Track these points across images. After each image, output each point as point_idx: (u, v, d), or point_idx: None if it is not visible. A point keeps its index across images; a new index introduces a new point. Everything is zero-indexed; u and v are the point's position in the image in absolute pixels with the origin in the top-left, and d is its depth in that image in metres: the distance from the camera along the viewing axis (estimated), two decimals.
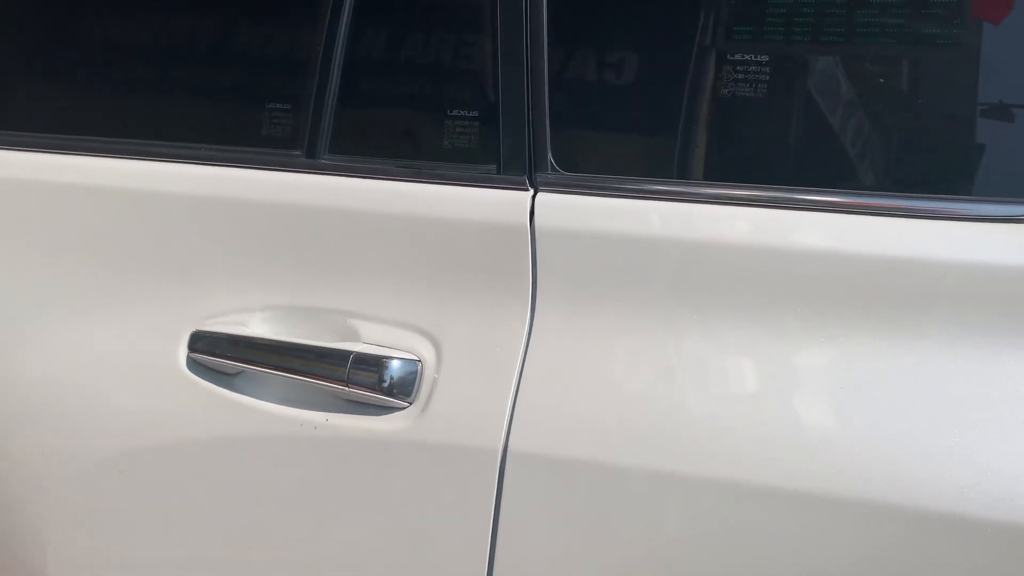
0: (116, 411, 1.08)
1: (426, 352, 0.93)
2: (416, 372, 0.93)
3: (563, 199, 0.91)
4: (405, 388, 0.92)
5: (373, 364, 0.92)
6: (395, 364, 0.92)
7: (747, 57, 0.87)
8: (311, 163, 1.04)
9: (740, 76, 0.86)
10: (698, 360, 0.83)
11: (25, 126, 1.23)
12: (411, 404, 0.92)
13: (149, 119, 1.19)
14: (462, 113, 0.99)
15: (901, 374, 0.77)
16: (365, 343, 0.96)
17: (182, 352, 1.06)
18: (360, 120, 1.06)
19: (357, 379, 0.93)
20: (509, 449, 0.86)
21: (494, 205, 0.93)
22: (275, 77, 1.11)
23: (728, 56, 0.87)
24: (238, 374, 1.03)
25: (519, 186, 0.93)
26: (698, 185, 0.87)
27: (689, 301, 0.85)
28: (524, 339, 0.89)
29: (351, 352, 0.93)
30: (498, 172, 0.95)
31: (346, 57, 1.04)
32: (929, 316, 0.77)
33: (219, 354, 1.02)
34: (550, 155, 0.93)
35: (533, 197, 0.92)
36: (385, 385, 0.92)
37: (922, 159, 0.83)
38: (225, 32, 1.15)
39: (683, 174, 0.89)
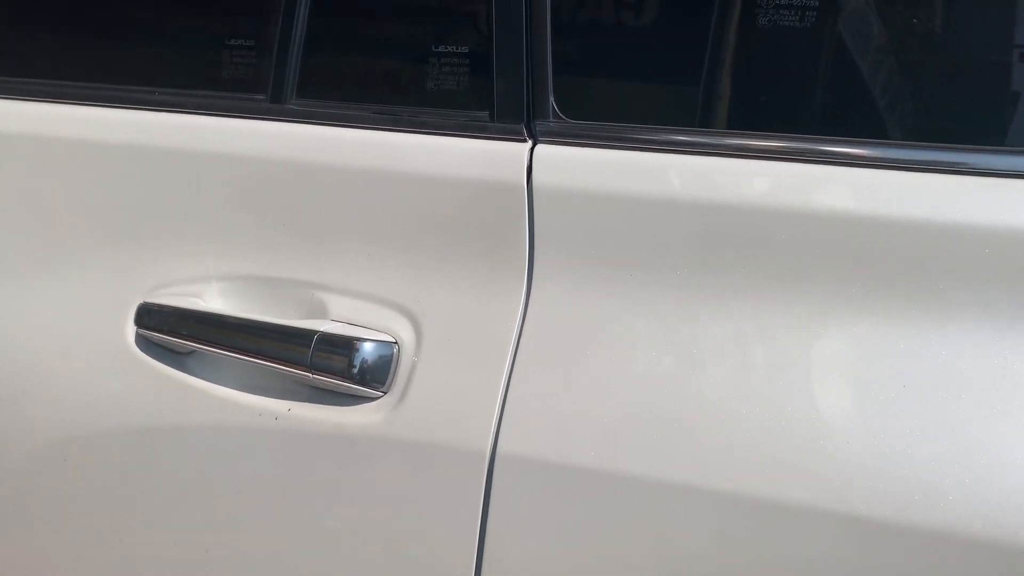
0: (58, 393, 0.95)
1: (404, 332, 0.79)
2: (391, 356, 0.79)
3: (566, 152, 0.76)
4: (379, 374, 0.78)
5: (341, 346, 0.78)
6: (367, 347, 0.78)
7: None
8: (276, 108, 0.89)
9: (778, 3, 0.71)
10: (719, 346, 0.69)
11: None
12: (385, 393, 0.78)
13: (91, 58, 1.04)
14: (449, 49, 0.83)
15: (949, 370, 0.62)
16: (333, 320, 0.82)
17: (129, 327, 0.92)
18: (333, 59, 0.91)
19: (323, 363, 0.79)
20: (498, 450, 0.72)
21: (486, 158, 0.78)
22: (234, 8, 0.96)
23: None
24: (191, 354, 0.89)
25: (515, 136, 0.78)
26: (724, 135, 0.72)
27: (711, 275, 0.70)
28: (518, 319, 0.75)
29: (316, 332, 0.79)
30: (491, 119, 0.80)
31: None
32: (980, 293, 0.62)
33: (169, 331, 0.88)
34: (552, 99, 0.78)
35: (531, 149, 0.77)
36: (355, 371, 0.78)
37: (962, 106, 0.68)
38: None
39: (707, 122, 0.74)
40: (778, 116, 0.72)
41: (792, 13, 0.70)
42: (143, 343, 0.91)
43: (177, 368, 0.89)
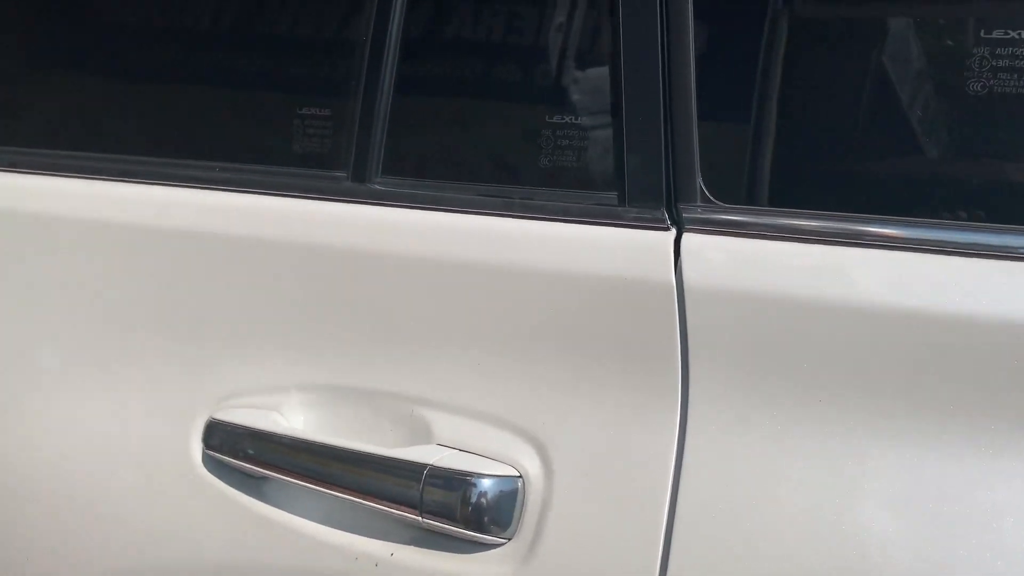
0: (119, 516, 0.83)
1: (528, 463, 0.66)
2: (516, 494, 0.66)
3: (722, 243, 0.63)
4: (502, 517, 0.65)
5: (457, 483, 0.65)
6: (487, 483, 0.65)
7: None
8: (359, 189, 0.77)
9: (1006, 63, 0.57)
10: (941, 488, 0.55)
11: None
12: (510, 540, 0.65)
13: (147, 131, 0.92)
14: (566, 119, 0.70)
15: None
16: (440, 445, 0.69)
17: (196, 443, 0.80)
18: (425, 130, 0.78)
19: (435, 504, 0.66)
20: None
21: (619, 250, 0.65)
22: (310, 73, 0.83)
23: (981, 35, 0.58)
24: (269, 479, 0.77)
25: (654, 223, 0.65)
26: (928, 226, 0.58)
27: (920, 397, 0.56)
28: (674, 449, 0.62)
29: (425, 465, 0.66)
30: (622, 203, 0.67)
31: (404, 43, 0.76)
32: None
33: (243, 456, 0.75)
34: (699, 179, 0.64)
35: (677, 240, 0.64)
36: (473, 513, 0.65)
37: None
38: (244, 18, 0.88)
39: (909, 208, 0.60)
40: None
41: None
42: (213, 463, 0.79)
43: (254, 495, 0.77)
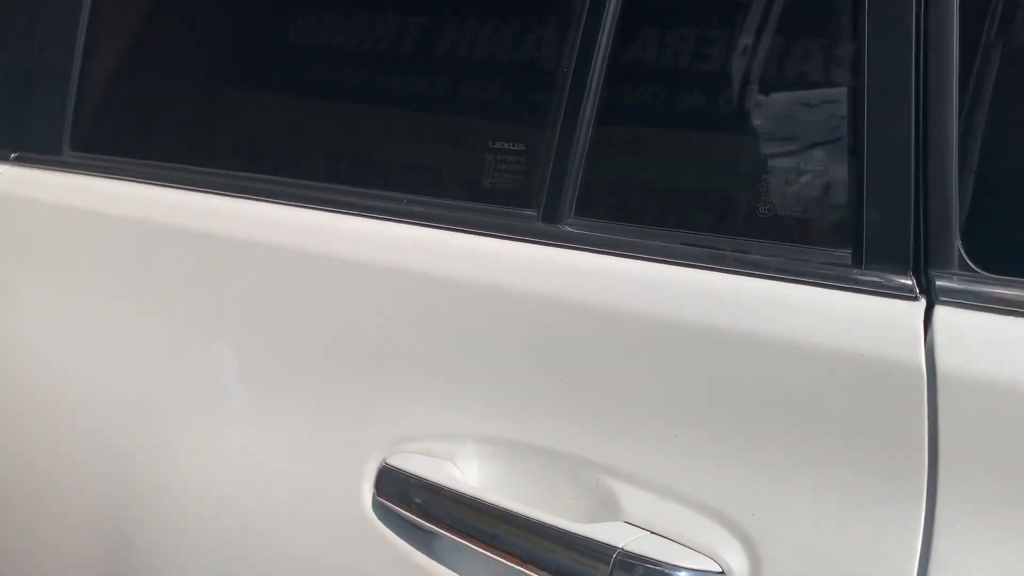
0: (287, 555, 0.81)
1: (733, 560, 0.58)
2: None
3: (984, 321, 0.52)
4: None
5: (650, 572, 0.58)
6: None
7: None
8: (549, 230, 0.71)
9: None
10: None
11: (161, 155, 1.00)
12: None
13: (332, 157, 0.90)
14: (793, 160, 0.62)
15: None
16: (630, 524, 0.62)
17: (367, 487, 0.76)
18: (624, 168, 0.71)
19: None
20: None
21: (853, 320, 0.56)
22: (501, 102, 0.79)
23: None
24: (438, 534, 0.72)
25: (900, 291, 0.55)
26: None
27: None
28: (916, 557, 0.52)
29: (615, 549, 0.59)
30: (858, 263, 0.57)
31: (609, 73, 0.69)
32: None
33: (415, 508, 0.71)
34: (958, 240, 0.54)
35: (928, 312, 0.54)
36: None
37: None
38: (428, 36, 0.84)
39: None
40: None
41: None
42: (382, 510, 0.75)
43: (423, 549, 0.72)
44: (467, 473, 0.72)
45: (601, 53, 0.69)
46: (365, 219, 0.82)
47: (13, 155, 1.17)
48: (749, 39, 0.65)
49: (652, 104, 0.70)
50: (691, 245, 0.64)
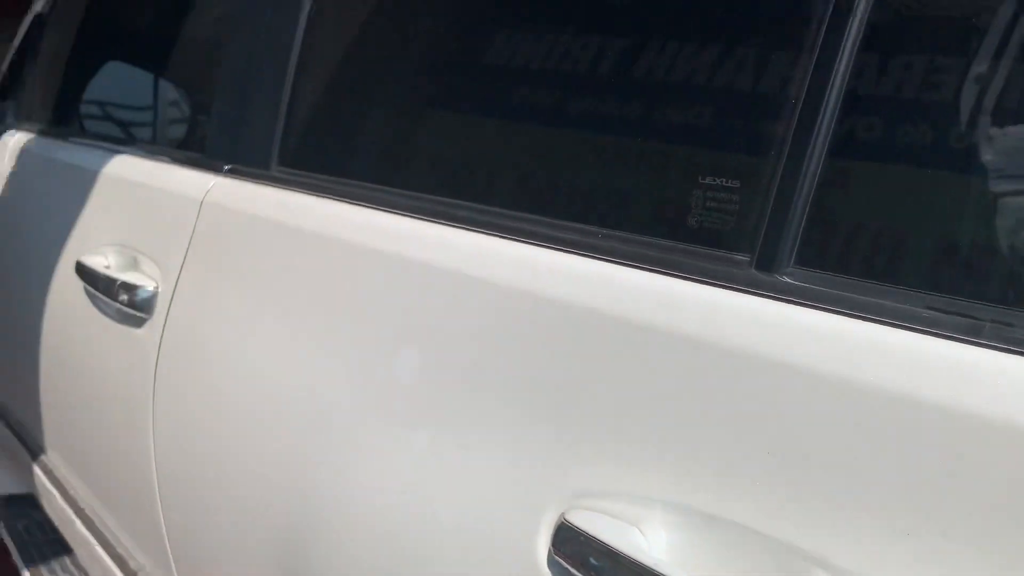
0: None
1: None
2: None
3: None
4: None
5: None
6: None
7: None
8: (762, 279, 0.63)
9: None
10: None
11: (363, 175, 0.99)
12: None
13: (528, 183, 0.86)
14: None
15: None
16: None
17: (543, 541, 0.71)
18: (860, 213, 0.62)
19: None
20: None
21: None
22: (716, 132, 0.71)
23: None
24: None
25: None
26: None
27: None
28: None
29: None
30: None
31: (846, 100, 0.61)
32: None
33: (592, 571, 0.65)
34: None
35: None
36: None
37: None
38: (639, 60, 0.78)
39: None
40: None
41: None
42: (558, 568, 0.70)
43: None
44: (654, 543, 0.65)
45: (838, 80, 0.61)
46: (558, 252, 0.77)
47: (227, 167, 1.22)
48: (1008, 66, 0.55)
49: (895, 138, 0.61)
50: (939, 311, 0.54)
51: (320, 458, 0.95)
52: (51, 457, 1.82)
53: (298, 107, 1.14)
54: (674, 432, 0.65)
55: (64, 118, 1.94)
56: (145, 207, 1.38)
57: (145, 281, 1.27)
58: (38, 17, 2.08)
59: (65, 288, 1.55)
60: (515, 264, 0.80)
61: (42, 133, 1.90)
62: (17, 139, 1.96)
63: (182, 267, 1.22)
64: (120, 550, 1.53)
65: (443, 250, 0.87)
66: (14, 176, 1.90)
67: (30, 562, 2.11)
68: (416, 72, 1.03)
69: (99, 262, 1.40)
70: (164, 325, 1.23)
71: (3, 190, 1.93)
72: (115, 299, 1.30)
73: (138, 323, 1.29)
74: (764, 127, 0.66)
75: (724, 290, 0.65)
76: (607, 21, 0.81)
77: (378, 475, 0.88)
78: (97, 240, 1.47)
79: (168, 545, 1.30)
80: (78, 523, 1.69)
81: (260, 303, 1.09)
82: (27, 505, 2.31)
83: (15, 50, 2.14)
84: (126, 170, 1.47)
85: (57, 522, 1.91)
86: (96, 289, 1.38)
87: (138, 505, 1.38)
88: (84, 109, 1.91)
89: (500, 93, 0.92)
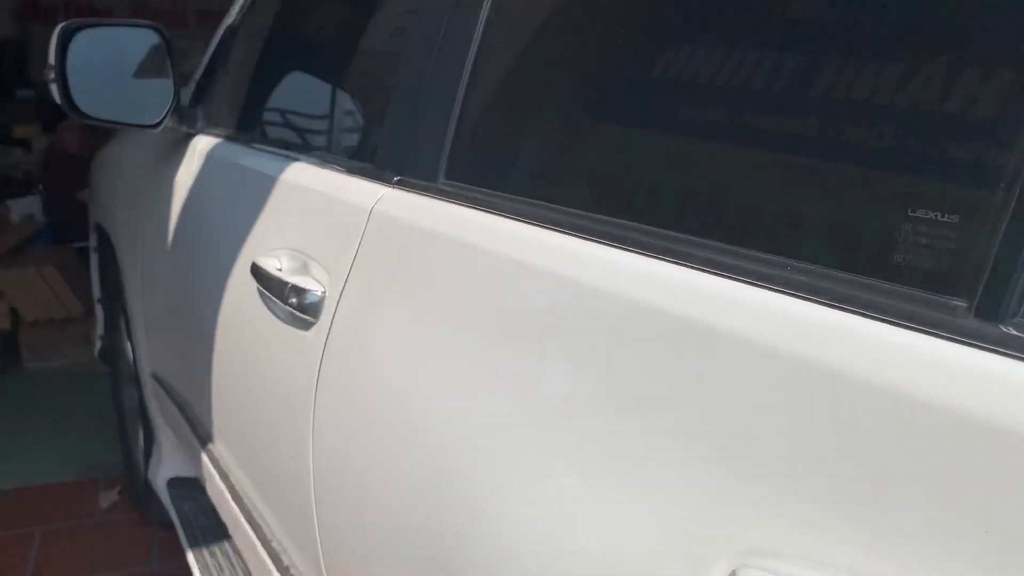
0: None
1: None
2: None
3: None
4: None
5: None
6: None
7: None
8: (983, 329, 0.55)
9: None
10: None
11: (534, 192, 0.96)
12: None
13: (707, 206, 0.81)
14: None
15: None
16: None
17: None
18: None
19: None
20: None
21: None
22: (931, 159, 0.64)
23: None
24: None
25: None
26: None
27: None
28: None
29: None
30: None
31: None
32: None
33: None
34: None
35: None
36: None
37: None
38: (839, 75, 0.71)
39: None
40: None
41: None
42: None
43: None
44: None
45: None
46: (740, 284, 0.71)
47: (396, 178, 1.23)
48: None
49: None
50: None
51: (471, 476, 0.93)
52: (217, 447, 1.92)
53: (467, 120, 1.14)
54: (868, 493, 0.58)
55: (246, 124, 2.04)
56: (317, 214, 1.42)
57: (314, 286, 1.30)
58: (229, 29, 2.20)
59: (241, 287, 1.62)
60: (692, 297, 0.75)
61: (227, 138, 2.01)
62: (205, 142, 2.07)
63: (349, 274, 1.24)
64: (275, 544, 1.58)
65: (616, 275, 0.83)
66: (201, 177, 2.02)
67: (194, 544, 2.22)
68: (594, 86, 1.00)
69: (272, 264, 1.45)
70: (329, 329, 1.25)
71: (191, 189, 2.05)
72: (285, 301, 1.34)
73: (305, 326, 1.32)
74: (994, 157, 0.58)
75: (935, 339, 0.58)
76: (809, 34, 0.74)
77: (530, 504, 0.85)
78: (272, 242, 1.53)
79: (320, 546, 1.32)
80: (238, 513, 1.76)
81: (422, 315, 1.09)
82: (194, 488, 2.44)
83: (207, 58, 2.28)
84: (301, 177, 1.52)
85: (219, 509, 2.00)
86: (268, 290, 1.43)
87: (294, 503, 1.42)
88: (265, 116, 2.00)
89: (691, 111, 0.87)
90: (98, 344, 3.51)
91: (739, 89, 0.79)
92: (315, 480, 1.30)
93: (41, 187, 5.94)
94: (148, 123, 2.01)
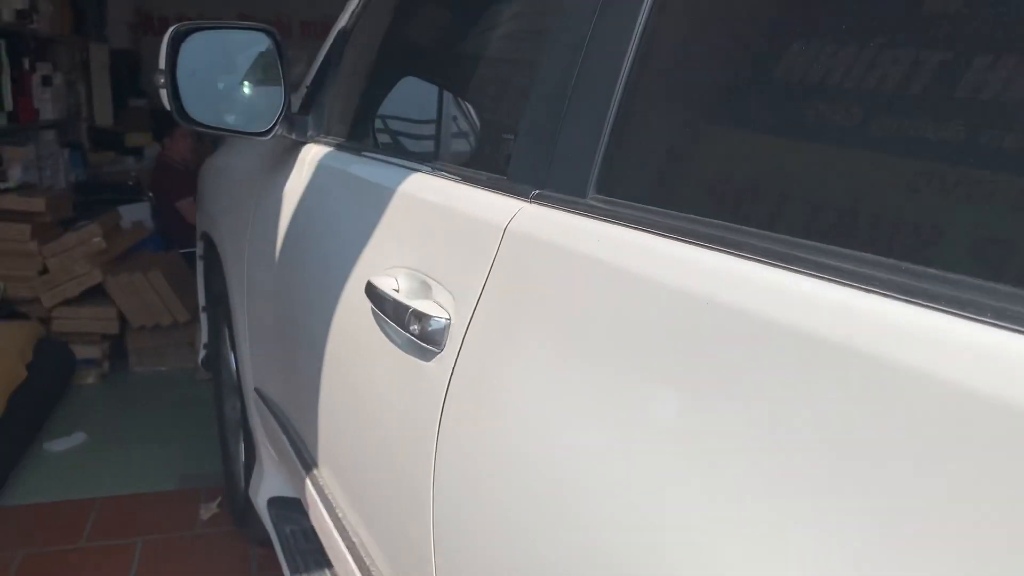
0: None
1: None
2: None
3: None
4: None
5: None
6: None
7: None
8: None
9: None
10: None
11: (705, 209, 0.79)
12: None
13: (903, 226, 0.63)
14: None
15: None
16: None
17: None
18: None
19: None
20: None
21: None
22: None
23: None
24: None
25: None
26: None
27: None
28: None
29: None
30: None
31: None
32: None
33: None
34: None
35: None
36: None
37: None
38: None
39: None
40: None
41: None
42: None
43: None
44: None
45: None
46: (920, 308, 0.54)
47: (534, 192, 1.09)
48: None
49: None
50: None
51: (639, 562, 0.77)
52: (323, 473, 1.81)
53: (624, 127, 0.98)
54: None
55: (359, 132, 1.94)
56: (439, 230, 1.29)
57: (437, 311, 1.17)
58: (342, 32, 2.10)
59: (353, 307, 1.50)
60: (902, 339, 0.57)
61: (339, 146, 1.91)
62: (315, 151, 1.98)
63: (478, 300, 1.10)
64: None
65: (790, 304, 0.66)
66: (311, 187, 1.92)
67: (294, 569, 2.12)
68: (783, 88, 0.83)
69: (388, 284, 1.32)
70: (455, 362, 1.11)
71: (301, 200, 1.96)
72: (404, 327, 1.21)
73: (426, 356, 1.19)
74: None
75: None
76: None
77: None
78: (387, 259, 1.41)
79: None
80: (343, 547, 1.65)
81: (566, 351, 0.93)
82: (295, 510, 2.35)
83: (318, 64, 2.19)
84: (419, 189, 1.39)
85: (322, 537, 1.90)
86: (384, 313, 1.30)
87: (407, 544, 1.28)
88: (378, 124, 1.89)
89: (892, 127, 0.70)
90: (202, 352, 3.50)
91: (942, 108, 0.61)
92: (435, 524, 1.16)
93: (151, 194, 6.08)
94: (258, 131, 1.93)
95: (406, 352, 1.25)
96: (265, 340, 2.28)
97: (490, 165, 1.30)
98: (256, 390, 2.43)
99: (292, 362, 1.98)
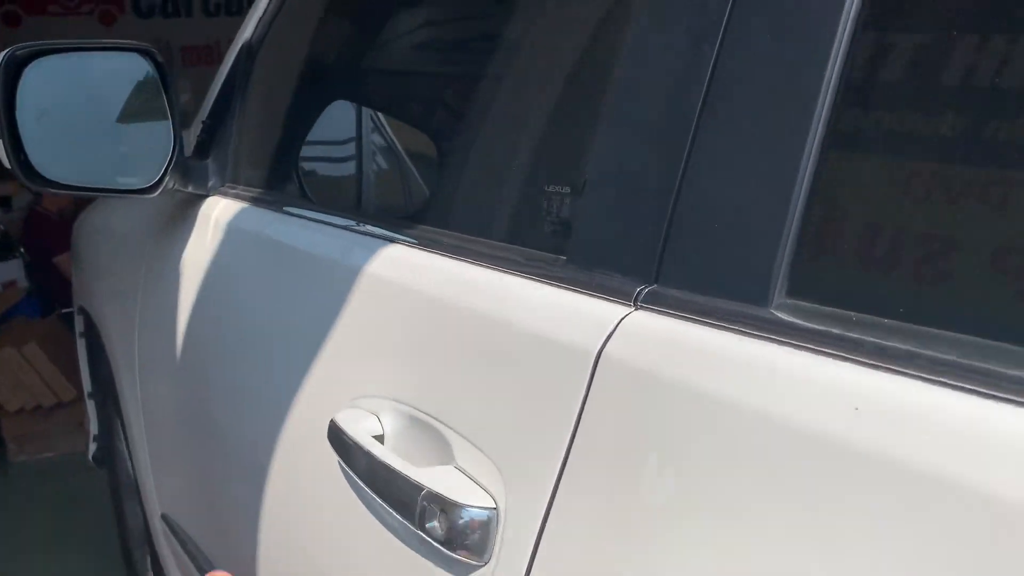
0: None
1: None
2: None
3: None
4: None
5: None
6: None
7: None
8: None
9: None
10: None
11: None
12: None
13: None
14: None
15: None
16: None
17: None
18: None
19: None
20: None
21: None
22: None
23: None
24: None
25: None
26: None
27: None
28: None
29: None
30: None
31: None
32: None
33: None
34: None
35: None
36: None
37: None
38: None
39: None
40: None
41: None
42: None
43: None
44: None
45: None
46: None
47: (643, 289, 0.62)
48: None
49: None
50: None
51: None
52: None
53: (815, 203, 0.54)
54: None
55: (282, 179, 1.44)
56: (454, 347, 0.81)
57: (475, 497, 0.69)
58: (246, 47, 1.59)
59: (303, 452, 1.01)
60: None
61: (255, 200, 1.40)
62: (223, 207, 1.47)
63: (559, 480, 0.63)
64: None
65: None
66: (221, 257, 1.41)
67: None
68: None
69: (365, 428, 0.84)
70: None
71: (208, 274, 1.44)
72: (413, 519, 0.73)
73: (456, 570, 0.71)
74: None
75: None
76: None
77: None
78: (358, 379, 0.92)
79: None
80: None
81: (690, 487, 0.48)
82: None
83: (216, 91, 1.67)
84: (407, 272, 0.91)
85: None
86: (367, 484, 0.82)
87: None
88: (309, 168, 1.39)
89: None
90: (92, 446, 2.91)
91: None
92: None
93: (22, 249, 5.40)
94: (140, 187, 1.41)
95: (414, 550, 0.76)
96: (172, 455, 1.75)
97: (530, 236, 0.82)
98: (164, 517, 1.88)
99: (215, 497, 1.46)
